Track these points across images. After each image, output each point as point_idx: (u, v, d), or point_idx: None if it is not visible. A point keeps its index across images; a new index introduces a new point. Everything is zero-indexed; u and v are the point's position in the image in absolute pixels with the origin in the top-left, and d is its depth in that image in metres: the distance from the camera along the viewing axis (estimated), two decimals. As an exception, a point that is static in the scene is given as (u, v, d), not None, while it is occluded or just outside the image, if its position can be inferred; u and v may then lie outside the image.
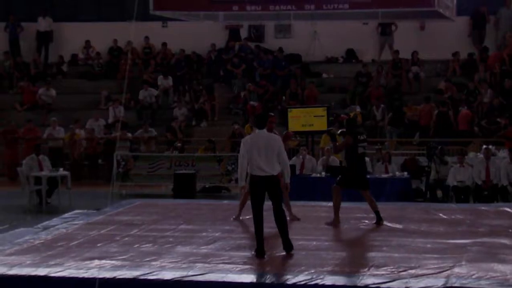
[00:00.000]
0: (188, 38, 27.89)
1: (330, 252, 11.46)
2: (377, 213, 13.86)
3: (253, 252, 11.18)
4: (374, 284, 9.53)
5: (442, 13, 16.69)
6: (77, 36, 29.13)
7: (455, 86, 25.42)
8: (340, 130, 14.42)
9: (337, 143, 14.33)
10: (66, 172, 19.95)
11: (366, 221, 14.06)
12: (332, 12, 17.06)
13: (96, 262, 10.72)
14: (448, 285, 9.45)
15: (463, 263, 10.57)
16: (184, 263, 10.68)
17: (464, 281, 9.58)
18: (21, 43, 29.57)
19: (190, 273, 10.07)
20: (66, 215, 15.39)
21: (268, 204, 11.29)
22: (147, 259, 10.93)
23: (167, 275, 10.02)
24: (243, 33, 28.83)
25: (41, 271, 10.24)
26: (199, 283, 9.79)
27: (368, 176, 15.00)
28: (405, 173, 19.50)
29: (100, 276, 9.92)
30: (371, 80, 26.25)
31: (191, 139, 25.32)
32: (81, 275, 10.07)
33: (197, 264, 10.55)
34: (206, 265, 10.53)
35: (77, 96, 28.07)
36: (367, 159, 17.15)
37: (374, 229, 13.51)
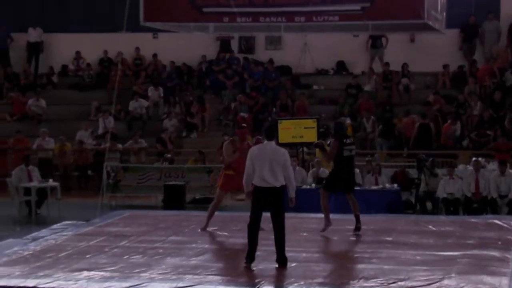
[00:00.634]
0: (178, 50, 27.87)
1: (320, 264, 11.47)
2: (357, 217, 13.98)
3: (244, 262, 11.17)
4: (364, 296, 9.54)
5: (432, 25, 16.72)
6: (68, 47, 29.08)
7: (445, 99, 25.48)
8: (320, 141, 14.63)
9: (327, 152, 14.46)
10: (55, 183, 19.90)
11: (356, 233, 14.06)
12: (322, 24, 17.06)
13: (85, 273, 10.70)
14: (438, 297, 9.47)
15: (453, 275, 10.58)
16: (173, 274, 10.67)
17: (453, 293, 9.60)
18: (11, 54, 29.48)
19: (180, 284, 10.07)
20: (55, 226, 15.34)
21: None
22: (137, 270, 10.91)
23: (157, 286, 10.02)
24: (234, 45, 28.85)
25: (30, 282, 10.22)
26: (188, 295, 9.79)
27: (358, 188, 15.07)
28: (395, 185, 19.54)
29: (89, 287, 9.90)
30: (361, 91, 26.28)
31: (181, 150, 25.30)
32: (70, 287, 10.05)
33: (186, 276, 10.54)
34: (196, 276, 10.52)
35: (67, 107, 28.00)
36: (356, 170, 17.18)
37: (364, 241, 13.52)
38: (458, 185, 18.99)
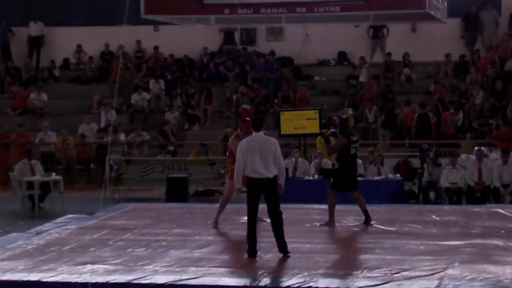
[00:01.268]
0: (180, 42, 27.84)
1: (323, 255, 11.46)
2: (365, 212, 13.96)
3: (245, 254, 11.19)
4: (367, 286, 9.54)
5: (433, 15, 16.70)
6: (69, 41, 29.06)
7: (447, 88, 25.45)
8: (331, 131, 14.50)
9: (330, 145, 14.39)
10: (58, 177, 19.90)
11: (359, 224, 14.07)
12: (323, 15, 17.05)
13: (89, 266, 10.71)
14: (442, 287, 9.47)
15: (456, 264, 10.58)
16: (177, 267, 10.68)
17: (457, 283, 9.59)
18: (13, 48, 29.48)
19: (184, 277, 10.07)
20: (58, 219, 15.35)
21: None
22: (140, 263, 10.91)
23: (160, 279, 10.02)
24: (236, 37, 28.81)
25: (34, 276, 10.22)
26: (192, 287, 9.78)
27: (361, 179, 15.05)
28: (398, 175, 19.53)
29: (93, 280, 9.92)
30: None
31: (184, 142, 25.29)
32: (74, 280, 10.05)
33: (190, 268, 10.54)
34: (199, 268, 10.53)
35: (69, 101, 28.00)
36: (359, 161, 17.18)
37: (367, 232, 13.53)
38: (460, 174, 18.97)
